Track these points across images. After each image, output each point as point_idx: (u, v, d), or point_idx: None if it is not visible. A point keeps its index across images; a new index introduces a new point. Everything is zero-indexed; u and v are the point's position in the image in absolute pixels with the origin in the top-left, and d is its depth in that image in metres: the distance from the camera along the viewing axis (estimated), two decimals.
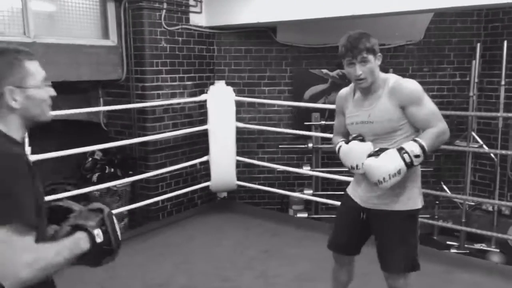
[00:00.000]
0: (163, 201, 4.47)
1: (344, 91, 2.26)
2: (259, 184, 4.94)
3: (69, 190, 3.93)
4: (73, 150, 3.56)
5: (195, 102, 4.70)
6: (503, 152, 4.33)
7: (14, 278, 1.09)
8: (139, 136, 4.38)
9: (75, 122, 4.37)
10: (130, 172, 4.32)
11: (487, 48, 5.20)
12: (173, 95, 4.58)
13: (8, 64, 1.24)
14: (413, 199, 2.10)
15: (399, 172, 1.92)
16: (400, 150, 1.93)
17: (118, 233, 1.32)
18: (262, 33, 5.12)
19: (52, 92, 1.34)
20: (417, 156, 1.92)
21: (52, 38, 3.96)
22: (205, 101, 4.47)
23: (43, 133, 4.30)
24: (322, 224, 4.51)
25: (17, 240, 1.11)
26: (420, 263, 2.20)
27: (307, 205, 5.22)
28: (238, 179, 4.67)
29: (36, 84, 1.28)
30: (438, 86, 5.36)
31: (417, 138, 1.97)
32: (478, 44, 4.98)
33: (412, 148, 1.93)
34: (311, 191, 5.11)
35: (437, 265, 3.45)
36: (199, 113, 4.78)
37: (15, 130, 1.27)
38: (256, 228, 4.30)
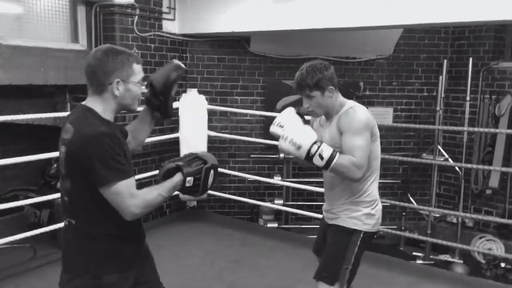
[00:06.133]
0: None
1: None
2: (229, 193, 4.91)
3: (31, 197, 3.80)
4: (37, 155, 3.45)
5: None
6: (468, 165, 4.46)
7: (129, 214, 1.57)
8: None
9: (40, 127, 4.24)
10: None
11: (453, 65, 5.38)
12: (143, 102, 4.51)
13: (121, 62, 1.64)
14: (355, 219, 2.15)
15: (297, 148, 1.95)
16: (315, 141, 1.95)
17: (208, 184, 1.75)
18: (236, 43, 5.14)
19: (144, 90, 1.78)
20: (321, 157, 1.94)
21: (19, 40, 3.84)
22: (177, 109, 4.42)
23: (7, 137, 4.18)
24: (292, 234, 4.52)
25: (126, 191, 1.56)
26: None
27: (277, 215, 5.22)
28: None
29: (136, 81, 1.68)
30: (406, 100, 5.50)
31: (337, 151, 1.98)
32: (445, 61, 5.15)
33: (326, 151, 1.95)
34: (281, 201, 5.12)
35: (403, 276, 3.51)
36: (170, 121, 4.72)
37: (109, 112, 1.66)
38: (225, 238, 4.26)
